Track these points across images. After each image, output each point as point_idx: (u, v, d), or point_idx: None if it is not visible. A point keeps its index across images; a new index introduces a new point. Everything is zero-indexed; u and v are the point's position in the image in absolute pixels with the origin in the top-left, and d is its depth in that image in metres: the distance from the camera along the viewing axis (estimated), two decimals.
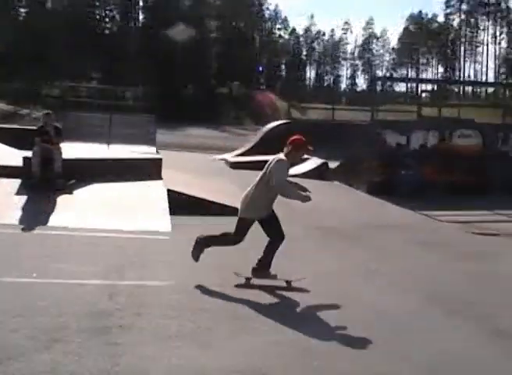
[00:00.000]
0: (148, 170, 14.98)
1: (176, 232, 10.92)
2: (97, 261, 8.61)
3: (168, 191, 13.22)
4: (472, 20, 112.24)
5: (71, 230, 10.53)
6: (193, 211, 12.50)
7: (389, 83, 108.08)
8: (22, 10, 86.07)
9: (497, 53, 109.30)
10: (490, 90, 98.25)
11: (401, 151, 19.14)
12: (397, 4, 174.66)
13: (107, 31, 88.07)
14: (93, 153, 16.56)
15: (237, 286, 7.86)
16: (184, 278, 8.03)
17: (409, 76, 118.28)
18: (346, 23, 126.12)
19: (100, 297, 6.98)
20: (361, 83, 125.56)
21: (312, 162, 21.97)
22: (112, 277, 7.86)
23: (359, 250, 10.91)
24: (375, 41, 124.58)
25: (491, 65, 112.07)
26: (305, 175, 20.81)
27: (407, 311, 7.25)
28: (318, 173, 20.79)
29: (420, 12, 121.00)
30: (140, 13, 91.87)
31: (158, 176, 14.85)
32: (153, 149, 19.96)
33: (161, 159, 16.00)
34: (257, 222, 8.05)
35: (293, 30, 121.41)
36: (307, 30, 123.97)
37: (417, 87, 43.87)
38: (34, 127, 15.66)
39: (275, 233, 8.03)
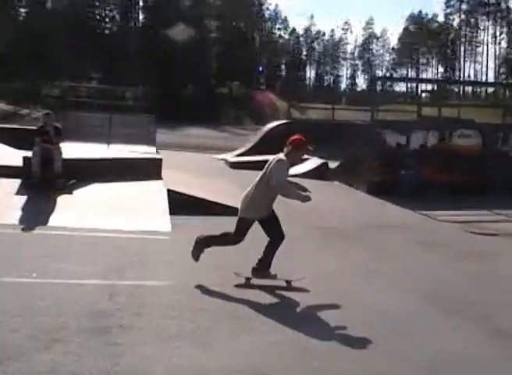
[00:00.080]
0: (148, 170, 14.99)
1: (176, 232, 10.92)
2: (97, 261, 8.62)
3: (168, 190, 13.23)
4: (472, 20, 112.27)
5: (71, 230, 10.54)
6: (193, 211, 12.50)
7: (389, 83, 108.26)
8: (22, 10, 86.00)
9: (497, 53, 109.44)
10: (490, 90, 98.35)
11: (401, 151, 19.14)
12: (397, 4, 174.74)
13: (107, 31, 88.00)
14: (93, 153, 16.55)
15: (237, 286, 7.87)
16: (184, 278, 8.03)
17: (409, 76, 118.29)
18: (346, 23, 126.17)
19: (100, 297, 6.98)
20: (361, 83, 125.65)
21: (312, 162, 21.98)
22: (112, 277, 7.86)
23: (359, 250, 10.91)
24: (374, 41, 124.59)
25: (491, 65, 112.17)
26: (305, 175, 20.82)
27: (407, 311, 7.25)
28: (318, 173, 20.79)
29: (420, 12, 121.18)
30: (140, 13, 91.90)
31: (158, 176, 14.85)
32: (153, 149, 19.97)
33: (161, 159, 16.00)
34: (257, 222, 8.02)
35: (293, 30, 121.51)
36: (307, 30, 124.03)
37: (417, 87, 43.99)
38: (34, 127, 15.67)
39: (275, 233, 8.01)
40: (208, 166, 23.60)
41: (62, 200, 12.59)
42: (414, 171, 18.88)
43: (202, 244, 8.18)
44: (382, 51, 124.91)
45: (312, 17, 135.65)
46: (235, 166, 24.00)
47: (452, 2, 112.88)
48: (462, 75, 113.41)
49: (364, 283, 8.45)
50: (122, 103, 35.19)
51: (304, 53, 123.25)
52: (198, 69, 76.51)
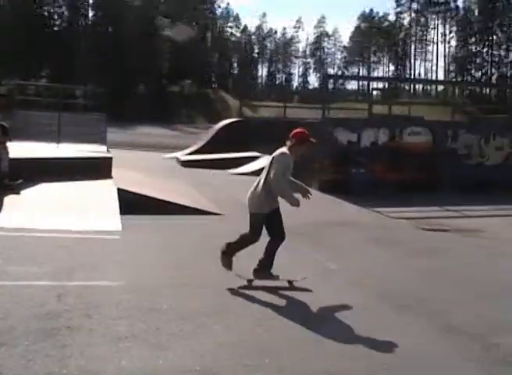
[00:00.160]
0: (98, 169, 14.83)
1: (127, 232, 10.79)
2: (45, 262, 8.45)
3: (119, 190, 13.08)
4: (422, 19, 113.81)
5: (18, 231, 10.32)
6: (144, 210, 12.38)
7: (340, 81, 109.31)
8: None
9: (447, 52, 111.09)
10: (440, 88, 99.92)
11: (352, 149, 19.24)
12: (349, 2, 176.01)
13: (56, 28, 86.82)
14: (42, 152, 16.29)
15: (240, 287, 7.83)
16: (134, 278, 7.95)
17: (360, 74, 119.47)
18: (297, 21, 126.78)
19: (48, 298, 6.85)
20: (313, 81, 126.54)
21: (264, 160, 21.96)
22: (61, 278, 7.71)
23: (312, 247, 10.91)
24: (326, 39, 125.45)
25: (441, 63, 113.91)
26: (258, 173, 20.79)
27: (360, 308, 7.26)
28: None
29: (371, 10, 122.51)
30: (90, 10, 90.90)
31: (109, 176, 14.71)
32: (103, 148, 19.71)
33: (111, 158, 15.84)
34: None
35: (245, 28, 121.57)
36: (259, 28, 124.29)
37: (368, 85, 44.30)
38: None
39: (275, 232, 7.94)
40: (160, 165, 23.49)
41: (9, 200, 12.36)
42: (365, 169, 19.01)
43: (227, 253, 8.02)
44: (333, 49, 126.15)
45: (264, 15, 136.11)
46: (186, 164, 23.92)
47: (402, 1, 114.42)
48: (413, 73, 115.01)
49: (320, 281, 8.43)
50: (72, 102, 34.79)
51: (256, 51, 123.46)
52: (149, 67, 76.10)
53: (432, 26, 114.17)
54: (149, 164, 22.74)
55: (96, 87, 53.72)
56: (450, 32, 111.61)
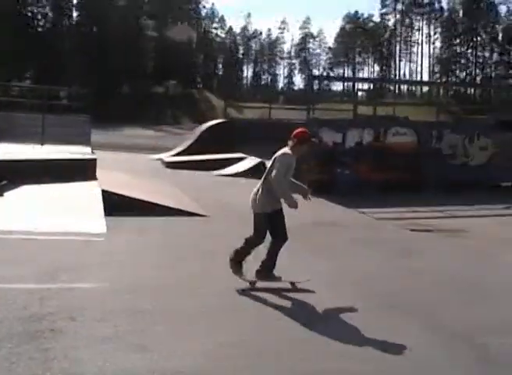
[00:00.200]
0: (83, 171, 14.76)
1: (112, 233, 10.74)
2: (29, 264, 8.40)
3: (103, 191, 13.02)
4: (407, 20, 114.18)
5: (1, 233, 10.27)
6: (129, 212, 12.32)
7: (325, 82, 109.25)
8: None
9: (431, 52, 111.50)
10: (425, 88, 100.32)
11: (337, 150, 19.27)
12: (334, 3, 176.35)
13: (40, 29, 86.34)
14: (26, 154, 16.21)
15: (244, 290, 7.81)
16: (119, 280, 7.92)
17: (345, 75, 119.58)
18: (282, 22, 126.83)
19: (31, 301, 6.82)
20: (298, 82, 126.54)
21: (249, 161, 22.04)
22: (44, 281, 7.67)
23: (298, 248, 10.89)
24: (311, 40, 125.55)
25: (425, 64, 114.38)
26: (242, 174, 20.89)
27: (345, 309, 7.28)
28: (255, 172, 20.79)
29: (356, 11, 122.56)
30: (74, 10, 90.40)
31: (93, 177, 14.64)
32: (88, 149, 19.64)
33: (95, 160, 15.77)
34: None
35: (230, 28, 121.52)
36: (244, 29, 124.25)
37: (353, 85, 44.33)
38: None
39: (278, 233, 7.96)
40: (145, 166, 23.44)
41: None
42: (349, 169, 19.05)
43: (235, 260, 7.99)
44: (318, 50, 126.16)
45: (249, 16, 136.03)
46: (171, 165, 23.89)
47: (387, 2, 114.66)
48: (397, 74, 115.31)
49: (308, 282, 8.43)
50: (56, 103, 34.65)
51: (241, 52, 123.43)
52: (134, 67, 75.94)
53: (416, 27, 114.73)
54: (134, 165, 22.68)
55: (80, 88, 53.55)
56: (435, 33, 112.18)
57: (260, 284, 7.93)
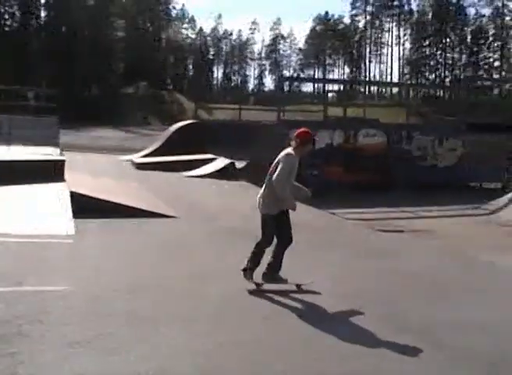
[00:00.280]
0: (51, 172, 14.61)
1: (80, 235, 10.63)
2: None
3: (72, 193, 12.88)
4: (377, 22, 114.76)
5: None
6: (97, 213, 12.20)
7: (296, 83, 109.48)
8: None
9: (401, 54, 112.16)
10: (395, 90, 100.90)
11: None
12: (304, 5, 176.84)
13: (7, 29, 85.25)
14: None
15: (251, 293, 7.85)
16: (87, 282, 7.84)
17: (316, 76, 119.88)
18: (253, 23, 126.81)
19: None
20: (269, 83, 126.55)
21: (219, 162, 22.00)
22: (11, 284, 7.55)
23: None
24: (282, 41, 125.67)
25: (395, 65, 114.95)
26: (212, 175, 20.85)
27: (313, 311, 7.27)
28: (225, 173, 20.81)
29: (326, 13, 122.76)
30: (42, 10, 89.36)
31: (61, 179, 14.50)
32: (56, 151, 19.50)
33: (64, 161, 15.64)
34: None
35: (200, 29, 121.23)
36: (215, 29, 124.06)
37: (323, 87, 44.49)
38: None
39: (283, 234, 8.01)
40: (114, 168, 23.26)
41: None
42: (319, 170, 19.09)
43: (249, 268, 8.00)
44: (289, 51, 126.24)
45: (219, 17, 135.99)
46: (141, 167, 23.76)
47: (357, 4, 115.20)
48: (368, 75, 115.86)
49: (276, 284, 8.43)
50: (23, 103, 34.27)
51: (212, 53, 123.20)
52: (104, 68, 75.49)
53: (386, 29, 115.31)
54: (103, 167, 22.54)
55: (49, 88, 53.01)
56: (405, 35, 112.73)
57: (266, 286, 8.00)
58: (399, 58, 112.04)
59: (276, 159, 7.93)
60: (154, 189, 16.87)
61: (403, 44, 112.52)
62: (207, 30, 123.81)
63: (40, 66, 70.31)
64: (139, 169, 23.50)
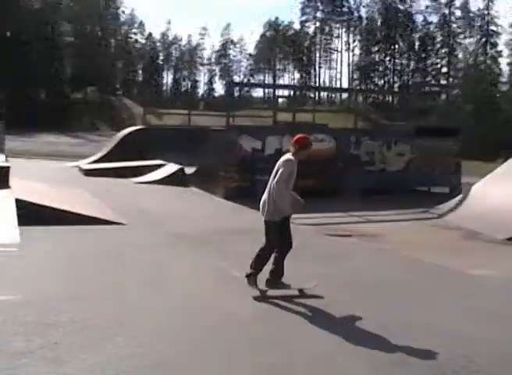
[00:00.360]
0: None
1: (26, 244, 10.43)
2: None
3: (17, 200, 12.64)
4: (327, 28, 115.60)
5: None
6: (43, 221, 11.99)
7: (246, 88, 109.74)
8: None
9: (350, 60, 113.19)
10: (344, 96, 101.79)
11: (257, 157, 19.30)
12: (254, 11, 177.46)
13: None
14: None
15: (255, 298, 7.86)
16: (32, 292, 7.68)
17: (266, 81, 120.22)
18: (203, 28, 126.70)
19: None
20: (219, 88, 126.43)
21: (169, 168, 21.89)
22: None
23: (215, 255, 10.83)
24: (232, 46, 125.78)
25: (345, 71, 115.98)
26: (162, 181, 20.73)
27: (258, 315, 7.25)
28: (175, 179, 20.72)
29: (276, 19, 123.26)
30: None
31: (6, 185, 14.22)
32: (1, 157, 19.18)
33: (8, 167, 15.34)
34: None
35: (150, 34, 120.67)
36: (164, 35, 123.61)
37: (274, 92, 44.63)
38: None
39: (284, 240, 8.18)
40: (61, 174, 22.97)
41: None
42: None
43: (249, 275, 8.12)
44: (239, 56, 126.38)
45: (169, 22, 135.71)
46: (89, 173, 23.50)
47: (307, 10, 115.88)
48: (317, 81, 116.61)
49: (223, 290, 8.38)
50: None
51: (161, 58, 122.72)
52: (51, 73, 74.56)
53: (336, 35, 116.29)
54: (50, 173, 22.24)
55: None
56: (354, 41, 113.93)
57: (271, 292, 8.05)
58: (348, 64, 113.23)
59: (276, 165, 8.14)
60: (101, 196, 16.68)
61: (353, 50, 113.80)
62: (156, 35, 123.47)
63: None
64: (87, 175, 23.24)
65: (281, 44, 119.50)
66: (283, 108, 41.64)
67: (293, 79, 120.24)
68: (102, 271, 9.02)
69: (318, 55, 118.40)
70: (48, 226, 11.82)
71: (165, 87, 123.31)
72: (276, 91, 48.42)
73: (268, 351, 6.11)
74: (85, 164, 26.52)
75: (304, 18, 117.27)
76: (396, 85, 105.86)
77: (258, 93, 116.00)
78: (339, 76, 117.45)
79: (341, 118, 39.50)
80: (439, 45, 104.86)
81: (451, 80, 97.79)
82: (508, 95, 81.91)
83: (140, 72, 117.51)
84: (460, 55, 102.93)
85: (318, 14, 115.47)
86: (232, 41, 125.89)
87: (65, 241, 11.14)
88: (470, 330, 6.94)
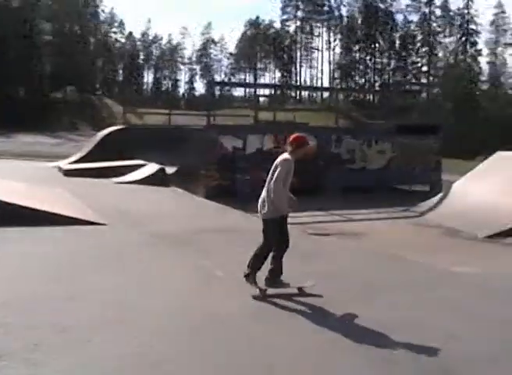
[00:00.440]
0: None
1: (2, 244, 10.38)
2: None
3: None
4: (307, 27, 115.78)
5: None
6: (22, 222, 11.87)
7: (227, 87, 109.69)
8: None
9: (331, 59, 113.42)
10: (326, 94, 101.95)
11: (237, 156, 19.26)
12: (235, 10, 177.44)
13: None
14: None
15: (255, 297, 7.91)
16: (10, 293, 7.60)
17: (247, 81, 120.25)
18: (183, 27, 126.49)
19: None
20: (200, 87, 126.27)
21: (149, 168, 21.82)
22: None
23: (197, 254, 10.76)
24: (213, 45, 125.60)
25: (326, 70, 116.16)
26: (143, 181, 20.64)
27: (243, 315, 7.22)
28: (155, 179, 20.65)
29: (257, 18, 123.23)
30: None
31: None
32: None
33: None
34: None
35: (130, 33, 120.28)
36: (145, 34, 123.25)
37: (254, 91, 44.56)
38: None
39: (281, 240, 8.19)
40: (41, 174, 22.80)
41: None
42: (250, 175, 19.07)
43: (249, 275, 8.18)
44: (220, 56, 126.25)
45: (149, 21, 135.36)
46: (69, 173, 23.36)
47: (288, 9, 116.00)
48: (298, 80, 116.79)
49: (206, 289, 8.34)
50: None
51: (142, 57, 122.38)
52: (29, 72, 74.04)
53: (316, 34, 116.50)
54: (30, 173, 22.08)
55: None
56: (335, 40, 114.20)
57: (270, 291, 8.10)
58: (329, 63, 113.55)
59: (274, 164, 8.21)
60: (82, 196, 16.56)
61: (334, 49, 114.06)
62: (137, 34, 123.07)
63: None
64: (67, 175, 23.09)
65: (262, 43, 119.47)
66: (264, 107, 41.64)
67: (274, 78, 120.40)
68: (82, 272, 8.93)
69: (298, 53, 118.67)
70: (27, 226, 11.70)
71: (145, 87, 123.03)
72: (257, 90, 48.40)
73: (266, 350, 6.10)
74: (65, 164, 26.35)
75: (284, 17, 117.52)
76: (377, 84, 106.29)
77: (239, 92, 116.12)
78: (320, 74, 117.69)
79: (322, 117, 39.54)
80: (419, 44, 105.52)
81: (431, 78, 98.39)
82: (488, 93, 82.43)
83: (121, 71, 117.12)
84: (441, 54, 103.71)
85: (299, 13, 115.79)
86: (213, 40, 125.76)
87: (44, 242, 11.03)
88: (455, 327, 6.96)
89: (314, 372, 5.67)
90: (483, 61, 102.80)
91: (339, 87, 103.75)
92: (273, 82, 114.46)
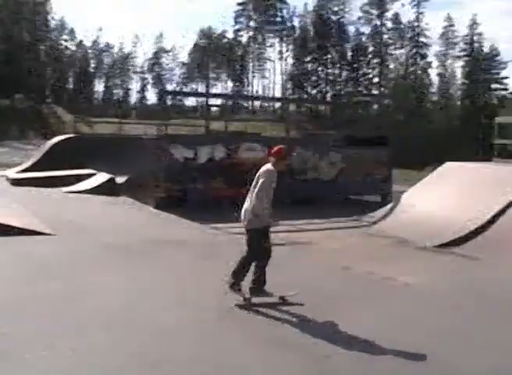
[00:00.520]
0: None
1: None
2: None
3: None
4: (260, 37, 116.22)
5: None
6: None
7: (179, 97, 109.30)
8: None
9: (284, 69, 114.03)
10: (278, 105, 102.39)
11: (189, 166, 19.16)
12: (187, 19, 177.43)
13: None
14: None
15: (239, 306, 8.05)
16: None
17: (199, 90, 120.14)
18: (135, 36, 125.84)
19: None
20: (151, 96, 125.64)
21: (99, 178, 21.63)
22: None
23: (145, 265, 10.65)
24: (165, 54, 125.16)
25: (278, 80, 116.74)
26: (92, 191, 20.44)
27: (187, 322, 7.14)
28: (105, 189, 20.47)
29: (210, 27, 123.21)
30: None
31: None
32: None
33: None
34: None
35: (81, 41, 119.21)
36: (95, 42, 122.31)
37: (206, 101, 44.50)
38: None
39: (264, 249, 8.38)
40: None
41: None
42: (202, 185, 18.99)
43: (234, 284, 8.34)
44: (172, 65, 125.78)
45: (100, 30, 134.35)
46: (17, 182, 23.00)
47: (240, 19, 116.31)
48: (251, 90, 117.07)
49: (146, 299, 8.25)
50: None
51: (93, 66, 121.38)
52: None
53: (269, 44, 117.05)
54: None
55: None
56: (287, 50, 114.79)
57: (254, 300, 8.24)
58: (281, 74, 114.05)
59: (257, 175, 8.54)
60: (29, 206, 16.31)
61: (286, 60, 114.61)
62: (87, 42, 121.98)
63: None
64: (14, 185, 22.74)
65: (214, 53, 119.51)
66: (216, 116, 41.66)
67: (226, 88, 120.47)
68: (33, 281, 8.79)
69: (251, 64, 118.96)
70: None
71: (96, 95, 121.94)
72: (209, 99, 48.40)
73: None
74: (13, 173, 25.93)
75: (237, 27, 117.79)
76: (329, 95, 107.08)
77: (191, 101, 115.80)
78: (272, 85, 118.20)
79: (276, 127, 39.74)
80: (370, 56, 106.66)
81: (382, 89, 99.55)
82: (437, 105, 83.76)
83: (71, 79, 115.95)
84: (392, 66, 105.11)
85: (252, 23, 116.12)
86: (164, 49, 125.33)
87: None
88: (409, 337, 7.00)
89: None
90: (433, 73, 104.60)
91: (291, 97, 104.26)
92: (225, 92, 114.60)
